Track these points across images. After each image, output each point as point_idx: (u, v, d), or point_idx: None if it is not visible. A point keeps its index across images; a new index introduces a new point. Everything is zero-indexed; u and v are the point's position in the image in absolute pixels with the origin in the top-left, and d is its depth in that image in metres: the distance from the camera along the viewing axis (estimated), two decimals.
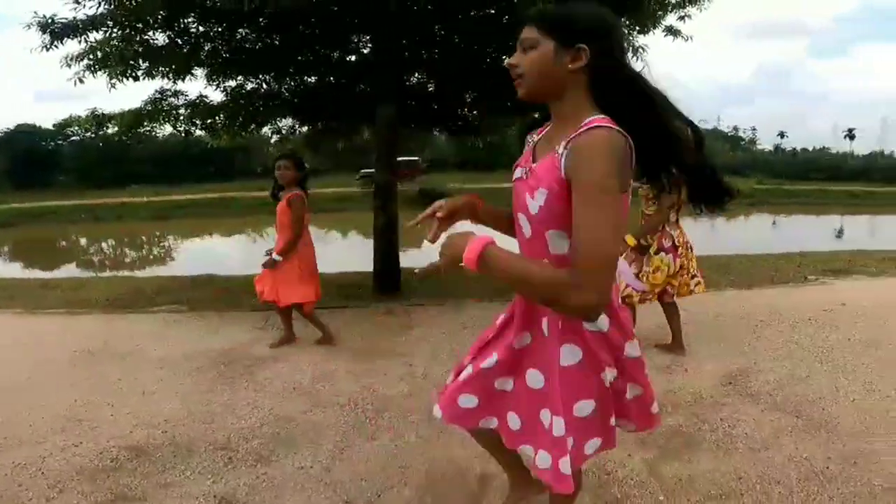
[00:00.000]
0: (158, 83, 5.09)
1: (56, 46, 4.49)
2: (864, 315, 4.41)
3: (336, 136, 7.17)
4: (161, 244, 19.37)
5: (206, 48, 4.90)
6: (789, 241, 10.48)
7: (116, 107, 5.28)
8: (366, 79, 5.60)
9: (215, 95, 8.42)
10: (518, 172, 1.36)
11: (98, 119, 5.24)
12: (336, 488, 2.24)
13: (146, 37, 4.57)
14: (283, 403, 3.07)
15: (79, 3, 4.42)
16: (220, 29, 4.79)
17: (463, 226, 1.43)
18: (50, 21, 4.41)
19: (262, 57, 5.08)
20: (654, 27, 5.47)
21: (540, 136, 1.38)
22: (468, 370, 1.58)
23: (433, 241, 1.39)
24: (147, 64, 4.65)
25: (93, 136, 29.73)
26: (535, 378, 1.42)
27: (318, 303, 4.03)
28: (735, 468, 2.25)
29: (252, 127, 6.14)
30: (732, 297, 5.18)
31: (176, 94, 5.29)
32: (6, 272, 11.83)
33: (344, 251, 12.61)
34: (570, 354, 1.34)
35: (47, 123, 43.51)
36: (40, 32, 4.43)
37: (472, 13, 4.98)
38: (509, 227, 1.47)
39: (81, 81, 4.61)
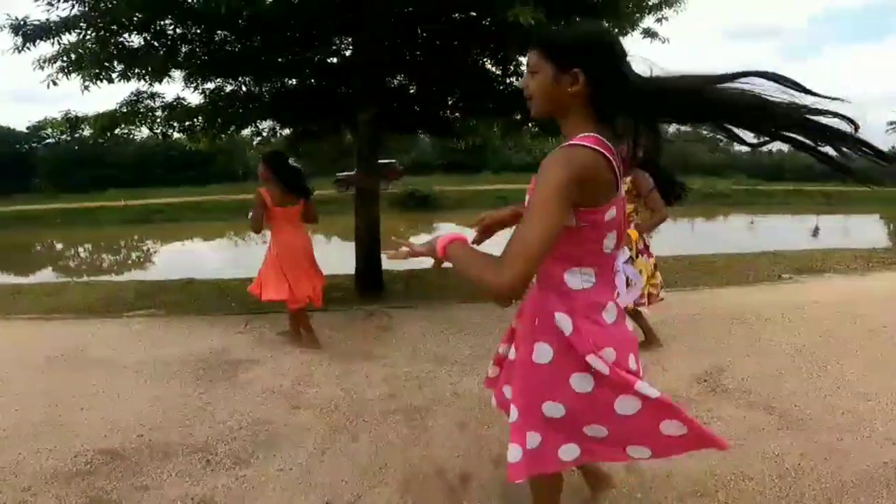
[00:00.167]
0: (134, 85, 5.04)
1: (28, 49, 4.41)
2: (836, 313, 4.52)
3: (317, 138, 7.14)
4: (139, 249, 19.07)
5: (184, 50, 4.85)
6: (765, 241, 10.70)
7: (93, 109, 5.20)
8: (347, 81, 5.60)
9: (193, 98, 8.34)
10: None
11: (71, 122, 5.14)
12: (317, 489, 2.25)
13: (121, 39, 4.51)
14: (262, 406, 3.05)
15: (52, 4, 4.35)
16: (198, 31, 4.74)
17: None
18: (22, 23, 4.33)
19: (242, 59, 5.03)
20: (633, 29, 5.55)
21: None
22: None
23: (478, 242, 1.55)
24: (122, 66, 4.58)
25: (68, 138, 29.13)
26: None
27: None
28: (710, 465, 2.28)
29: (231, 129, 6.08)
30: (709, 296, 5.28)
31: (152, 96, 5.22)
32: None
33: (326, 253, 12.53)
34: (543, 353, 1.39)
35: (21, 126, 42.61)
36: (12, 35, 4.36)
37: (455, 16, 5.00)
38: None
39: (55, 84, 4.54)
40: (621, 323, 1.44)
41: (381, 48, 5.19)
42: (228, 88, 5.70)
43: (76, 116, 5.09)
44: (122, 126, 5.20)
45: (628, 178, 3.26)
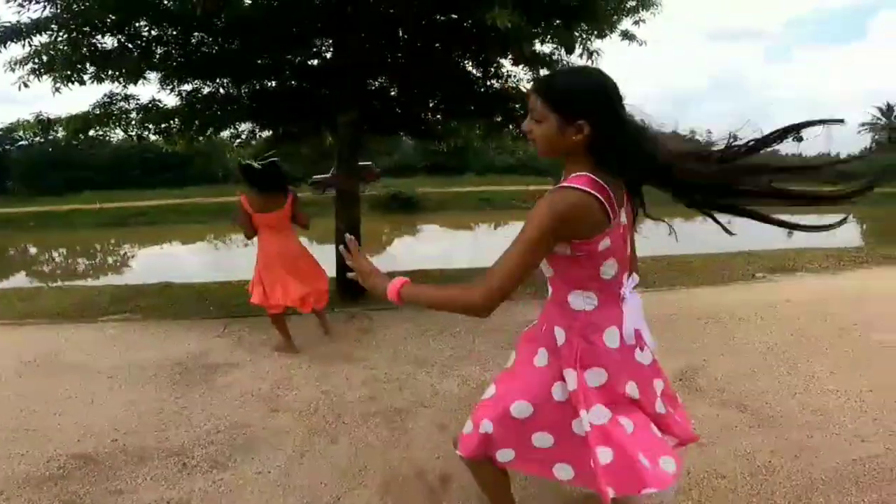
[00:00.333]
0: (108, 87, 4.94)
1: None
2: (807, 311, 4.62)
3: (297, 140, 7.09)
4: (115, 252, 18.74)
5: (159, 52, 4.78)
6: (741, 241, 10.85)
7: (69, 110, 5.09)
8: (328, 83, 5.57)
9: (170, 100, 8.22)
10: None
11: (44, 123, 5.03)
12: (295, 492, 2.24)
13: (94, 40, 4.43)
14: (240, 410, 3.03)
15: (23, 6, 4.26)
16: (174, 33, 4.69)
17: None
18: None
19: (220, 61, 4.97)
20: (611, 32, 5.61)
21: None
22: None
23: None
24: (94, 68, 4.50)
25: (41, 140, 28.48)
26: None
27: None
28: (685, 464, 2.32)
29: (209, 132, 6.02)
30: (685, 296, 5.36)
31: (127, 98, 5.12)
32: None
33: None
34: (542, 357, 1.53)
35: None
36: None
37: (437, 18, 5.02)
38: None
39: (26, 86, 4.44)
40: (629, 351, 1.48)
41: (363, 50, 5.19)
42: (206, 90, 5.61)
43: (48, 118, 4.98)
44: (96, 128, 5.10)
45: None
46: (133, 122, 5.23)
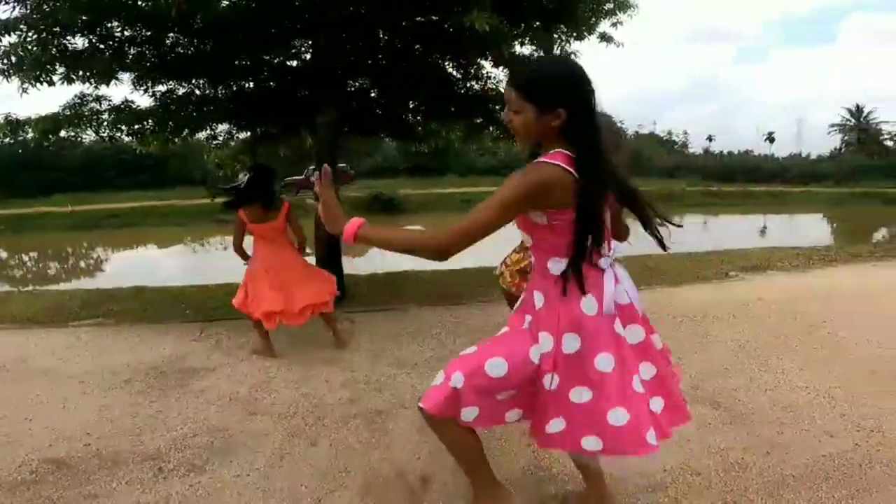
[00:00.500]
0: (78, 87, 4.83)
1: None
2: (778, 310, 4.73)
3: (276, 141, 7.02)
4: (89, 256, 18.33)
5: (132, 52, 4.68)
6: (717, 240, 11.10)
7: (37, 111, 4.96)
8: (307, 84, 5.53)
9: (143, 100, 8.08)
10: None
11: (12, 124, 4.90)
12: (275, 495, 2.22)
13: (64, 41, 4.33)
14: (218, 413, 3.00)
15: None
16: (148, 34, 4.60)
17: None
18: None
19: (195, 62, 4.89)
20: (590, 34, 5.67)
21: None
22: None
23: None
24: (64, 69, 4.40)
25: (11, 141, 27.71)
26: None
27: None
28: (662, 460, 2.32)
29: (185, 133, 5.93)
30: (662, 296, 5.44)
31: (98, 99, 5.01)
32: None
33: None
34: (526, 321, 1.65)
35: None
36: None
37: (416, 19, 5.02)
38: None
39: None
40: (607, 321, 1.55)
41: (342, 52, 5.16)
42: (181, 91, 5.53)
43: (17, 119, 4.86)
44: (67, 129, 4.99)
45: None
46: (105, 123, 5.12)
